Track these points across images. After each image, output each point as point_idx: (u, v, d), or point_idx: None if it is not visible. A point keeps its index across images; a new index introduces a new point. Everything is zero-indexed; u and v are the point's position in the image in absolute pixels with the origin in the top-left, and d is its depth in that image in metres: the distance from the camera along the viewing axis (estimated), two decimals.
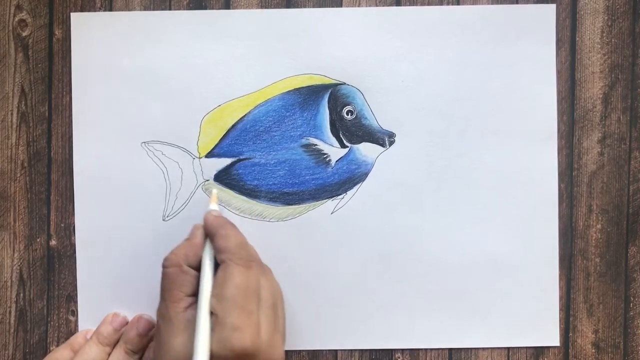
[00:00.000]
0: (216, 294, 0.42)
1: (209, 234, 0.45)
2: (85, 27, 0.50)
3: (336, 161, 0.50)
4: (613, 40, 0.51)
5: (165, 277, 0.44)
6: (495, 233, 0.50)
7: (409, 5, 0.50)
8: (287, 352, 0.50)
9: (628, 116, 0.51)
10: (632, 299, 0.51)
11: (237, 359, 0.40)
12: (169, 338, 0.42)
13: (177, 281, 0.43)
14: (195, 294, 0.44)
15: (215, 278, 0.43)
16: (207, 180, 0.50)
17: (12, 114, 0.51)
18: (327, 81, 0.50)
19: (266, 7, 0.51)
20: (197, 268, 0.45)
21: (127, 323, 0.50)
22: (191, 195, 0.50)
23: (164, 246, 0.50)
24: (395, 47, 0.50)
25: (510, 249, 0.50)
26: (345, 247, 0.50)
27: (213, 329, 0.41)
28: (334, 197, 0.50)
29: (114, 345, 0.49)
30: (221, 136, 0.50)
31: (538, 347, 0.51)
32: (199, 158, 0.50)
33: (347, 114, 0.50)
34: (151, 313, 0.50)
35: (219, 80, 0.50)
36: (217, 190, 0.50)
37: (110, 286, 0.50)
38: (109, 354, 0.48)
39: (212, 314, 0.41)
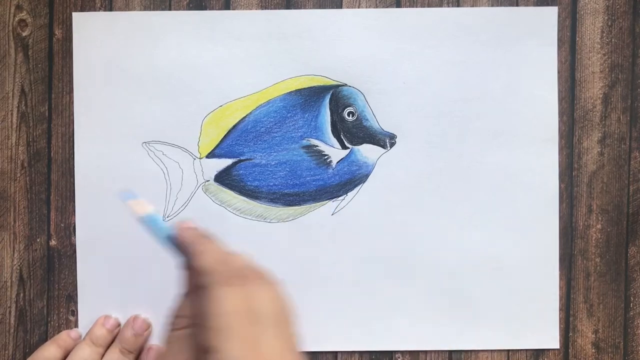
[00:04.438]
0: (208, 326, 0.33)
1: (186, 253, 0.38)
2: (86, 27, 0.50)
3: (337, 162, 0.50)
4: (613, 40, 0.51)
5: None
6: (495, 234, 0.50)
7: (410, 6, 0.50)
8: None
9: (628, 116, 0.51)
10: (632, 299, 0.51)
11: None
12: None
13: None
14: None
15: (198, 307, 0.34)
16: (208, 180, 0.50)
17: (12, 114, 0.50)
18: (328, 82, 0.50)
19: (266, 8, 0.50)
20: None
21: (119, 325, 0.50)
22: (191, 196, 0.50)
23: None
24: (396, 49, 0.50)
25: (510, 249, 0.50)
26: (346, 249, 0.50)
27: None
28: (334, 198, 0.50)
29: (107, 346, 0.49)
30: (222, 137, 0.50)
31: (538, 348, 0.51)
32: (200, 158, 0.50)
33: (348, 115, 0.50)
34: (151, 313, 0.50)
35: (219, 80, 0.50)
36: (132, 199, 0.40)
37: (110, 286, 0.50)
38: (102, 355, 0.48)
39: (206, 351, 0.32)
